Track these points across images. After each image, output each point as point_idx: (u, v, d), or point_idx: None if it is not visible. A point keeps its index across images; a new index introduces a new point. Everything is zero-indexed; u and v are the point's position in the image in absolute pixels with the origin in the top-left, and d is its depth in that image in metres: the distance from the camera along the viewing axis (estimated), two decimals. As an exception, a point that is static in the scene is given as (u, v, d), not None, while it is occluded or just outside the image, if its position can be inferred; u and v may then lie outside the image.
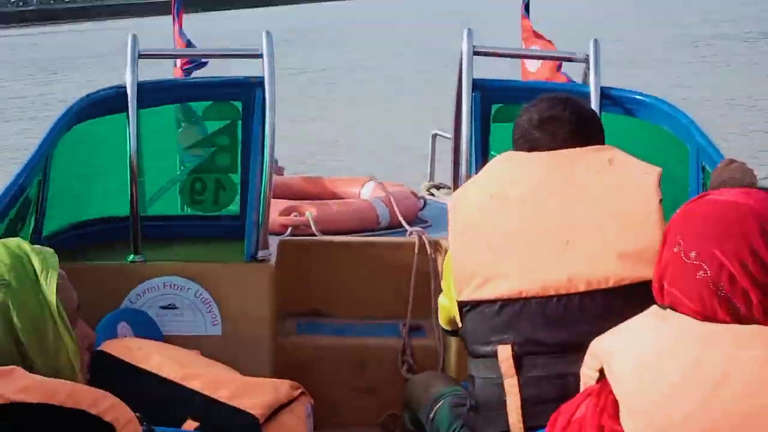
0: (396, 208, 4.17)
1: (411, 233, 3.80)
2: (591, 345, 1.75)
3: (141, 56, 3.26)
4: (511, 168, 2.53)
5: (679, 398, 1.59)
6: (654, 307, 1.73)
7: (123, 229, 3.40)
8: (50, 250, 2.07)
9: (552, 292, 2.31)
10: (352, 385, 3.56)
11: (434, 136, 5.26)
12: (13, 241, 2.06)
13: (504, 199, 2.45)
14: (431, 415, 2.79)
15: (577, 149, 2.43)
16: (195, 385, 2.70)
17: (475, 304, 2.40)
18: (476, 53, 3.40)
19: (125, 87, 3.26)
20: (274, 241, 3.57)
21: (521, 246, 2.39)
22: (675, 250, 1.70)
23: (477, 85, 3.40)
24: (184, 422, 2.44)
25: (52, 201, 3.36)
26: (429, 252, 3.49)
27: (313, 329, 3.68)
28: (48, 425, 1.68)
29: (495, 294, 2.36)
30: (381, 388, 3.50)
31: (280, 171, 5.10)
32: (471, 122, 3.25)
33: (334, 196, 4.70)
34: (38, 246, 2.10)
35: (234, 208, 3.62)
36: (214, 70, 4.12)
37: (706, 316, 1.60)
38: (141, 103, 3.27)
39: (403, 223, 4.04)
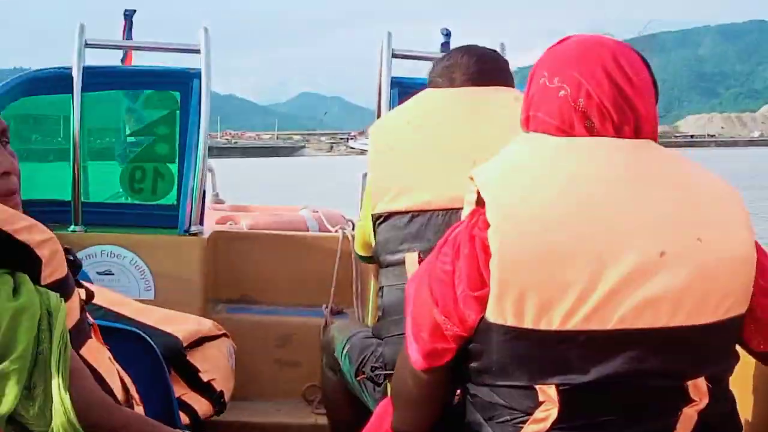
0: (324, 220, 4.47)
1: (336, 230, 4.04)
2: (471, 172, 1.93)
3: (87, 45, 3.50)
4: (424, 101, 2.75)
5: (536, 191, 1.77)
6: (521, 134, 1.94)
7: (64, 212, 3.58)
8: None
9: (458, 205, 2.40)
10: (276, 358, 3.74)
11: (364, 175, 5.67)
12: None
13: (418, 125, 2.65)
14: (345, 350, 2.93)
15: (486, 88, 2.66)
16: (124, 311, 2.86)
17: (387, 216, 2.56)
18: (395, 56, 3.73)
19: (70, 69, 3.47)
20: (208, 234, 3.79)
21: (432, 164, 2.56)
22: (540, 81, 1.89)
23: (395, 82, 3.71)
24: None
25: None
26: (352, 244, 3.68)
27: (241, 310, 3.85)
28: None
29: (406, 205, 2.52)
30: (303, 362, 3.66)
31: (220, 203, 5.44)
32: None
33: (272, 219, 4.98)
34: None
35: (171, 197, 3.81)
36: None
37: (564, 130, 1.79)
38: (85, 87, 3.48)
39: (329, 227, 4.30)
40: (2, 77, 4.15)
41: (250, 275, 4.04)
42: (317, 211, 5.04)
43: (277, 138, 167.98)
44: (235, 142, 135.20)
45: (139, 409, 2.25)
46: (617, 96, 1.81)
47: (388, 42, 3.73)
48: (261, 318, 3.89)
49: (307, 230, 4.76)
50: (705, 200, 1.84)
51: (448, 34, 4.52)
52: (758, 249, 1.84)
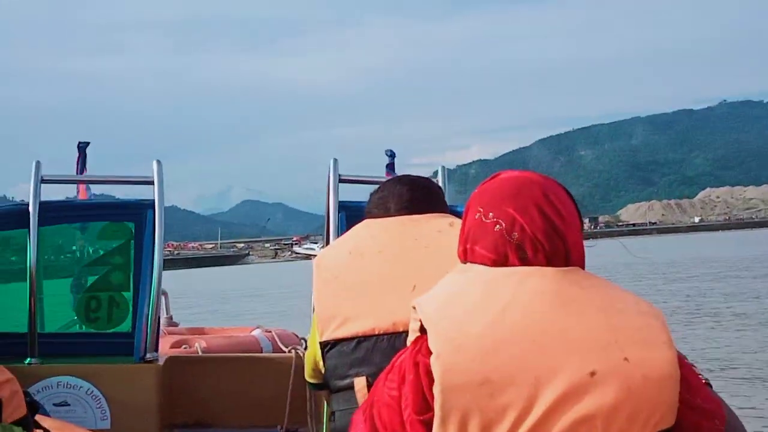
0: (278, 340, 4.53)
1: (289, 350, 4.07)
2: (413, 302, 2.01)
3: (43, 181, 3.60)
4: (363, 231, 2.87)
5: (473, 319, 1.82)
6: (458, 265, 2.01)
7: (21, 345, 3.59)
8: None
9: (401, 329, 2.54)
10: None
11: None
12: None
13: (359, 255, 2.76)
14: None
15: (421, 216, 2.79)
16: None
17: (334, 343, 2.64)
18: (341, 181, 3.87)
19: (27, 205, 3.56)
20: (162, 360, 3.80)
21: (374, 291, 2.64)
22: (476, 216, 1.96)
23: (343, 206, 3.84)
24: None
25: None
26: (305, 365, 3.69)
27: None
28: None
29: (352, 332, 2.60)
30: None
31: (174, 325, 5.46)
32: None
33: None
34: None
35: (126, 325, 3.84)
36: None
37: (499, 262, 1.88)
38: (42, 221, 3.55)
39: (283, 348, 4.35)
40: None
41: (205, 399, 4.09)
42: (270, 331, 5.13)
43: (220, 247, 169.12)
44: (177, 253, 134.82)
45: None
46: (549, 228, 1.92)
47: (334, 168, 3.87)
48: None
49: (261, 351, 4.83)
50: (629, 321, 1.93)
51: (392, 155, 4.65)
52: (682, 364, 1.92)
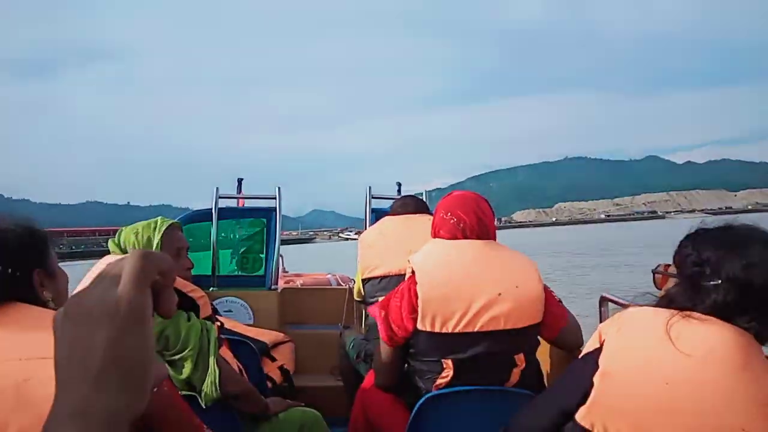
0: (339, 279, 6.20)
1: (345, 286, 5.32)
2: (409, 258, 2.57)
3: (220, 197, 5.05)
4: (386, 222, 3.56)
5: (439, 266, 2.44)
6: (431, 240, 2.62)
7: (208, 279, 4.95)
8: None
9: (402, 273, 3.08)
10: (316, 351, 4.87)
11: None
12: None
13: (383, 235, 3.44)
14: (351, 346, 3.73)
15: (417, 215, 3.55)
16: (239, 330, 3.90)
17: (368, 279, 3.35)
18: (373, 197, 5.29)
19: (211, 209, 4.95)
20: (280, 289, 5.24)
21: (390, 253, 3.28)
22: (441, 215, 2.59)
23: (373, 210, 5.22)
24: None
25: None
26: (353, 293, 4.11)
27: (298, 327, 5.05)
28: None
29: (377, 274, 3.29)
30: (330, 353, 4.59)
31: (286, 272, 6.94)
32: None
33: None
34: None
35: (261, 271, 5.28)
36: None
37: (452, 239, 2.52)
38: (219, 218, 4.93)
39: (342, 283, 5.61)
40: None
41: (302, 310, 5.30)
42: (335, 275, 6.44)
43: (300, 235, 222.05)
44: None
45: (245, 379, 2.80)
46: (479, 221, 2.53)
47: (369, 191, 5.29)
48: (308, 331, 5.08)
49: (330, 285, 6.07)
50: (519, 267, 2.51)
51: (399, 185, 5.79)
52: (546, 290, 2.54)
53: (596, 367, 1.67)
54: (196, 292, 2.66)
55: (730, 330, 1.59)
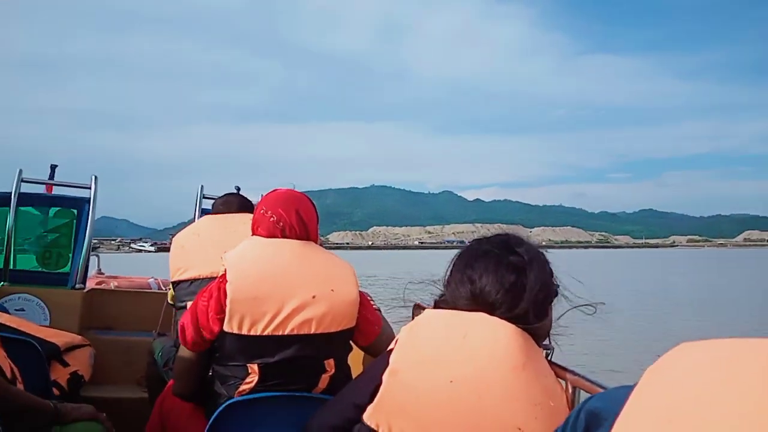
0: (161, 284, 5.84)
1: (167, 289, 4.51)
2: (223, 255, 2.50)
3: (23, 181, 4.74)
4: (203, 222, 3.57)
5: (252, 264, 2.44)
6: (249, 237, 2.58)
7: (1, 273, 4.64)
8: None
9: (213, 276, 3.11)
10: (123, 360, 4.65)
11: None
12: None
13: (197, 234, 3.47)
14: (159, 353, 3.66)
15: (237, 214, 3.53)
16: (28, 329, 3.55)
17: (178, 282, 3.36)
18: (205, 197, 5.01)
19: (10, 193, 4.60)
20: (87, 290, 4.87)
21: (202, 255, 3.30)
22: (261, 212, 2.57)
23: (206, 211, 4.59)
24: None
25: None
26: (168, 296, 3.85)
27: (103, 333, 4.81)
28: None
29: (186, 277, 3.31)
30: (138, 362, 4.37)
31: (101, 273, 6.60)
32: None
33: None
34: None
35: (66, 268, 4.94)
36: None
37: (270, 236, 2.51)
38: (19, 204, 4.64)
39: (164, 288, 5.42)
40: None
41: (114, 314, 5.09)
42: (158, 279, 6.20)
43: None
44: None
45: (20, 386, 2.57)
46: (299, 221, 2.53)
47: (200, 190, 5.11)
48: (116, 338, 4.91)
49: (150, 289, 5.81)
50: (336, 270, 2.52)
51: (238, 189, 5.21)
52: (362, 295, 2.55)
53: (387, 365, 1.72)
54: None
55: (512, 330, 1.69)
